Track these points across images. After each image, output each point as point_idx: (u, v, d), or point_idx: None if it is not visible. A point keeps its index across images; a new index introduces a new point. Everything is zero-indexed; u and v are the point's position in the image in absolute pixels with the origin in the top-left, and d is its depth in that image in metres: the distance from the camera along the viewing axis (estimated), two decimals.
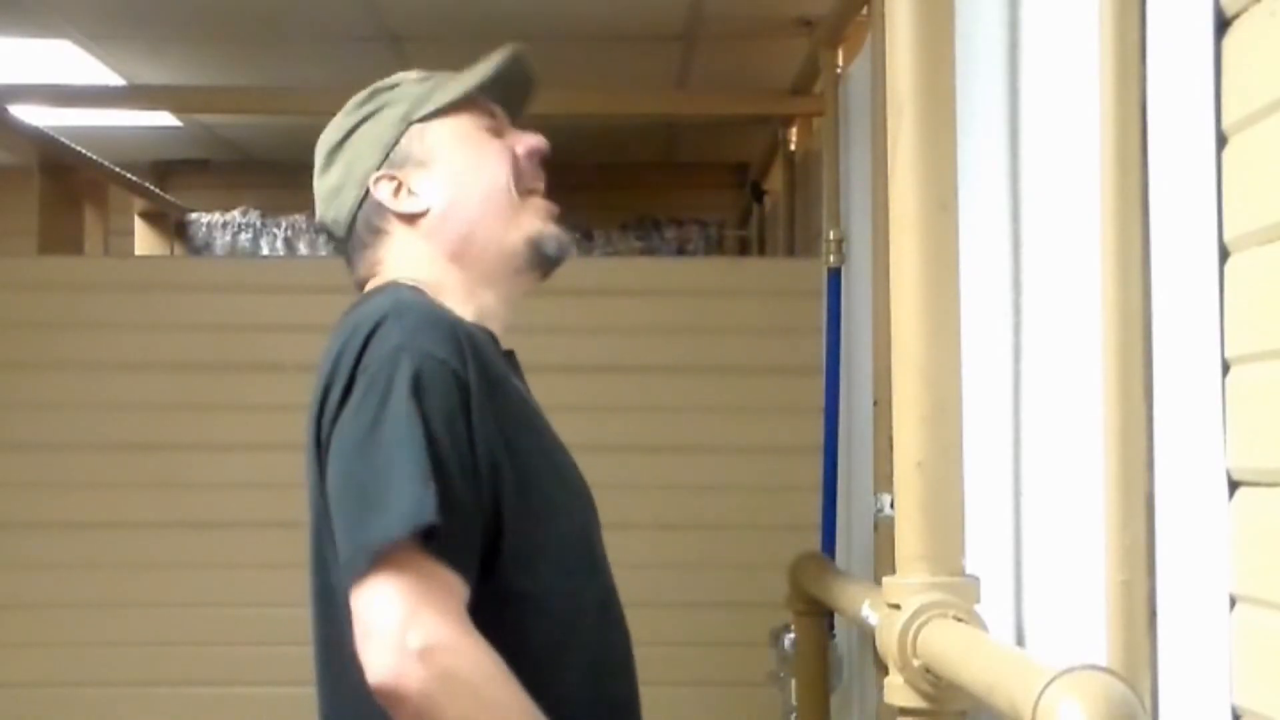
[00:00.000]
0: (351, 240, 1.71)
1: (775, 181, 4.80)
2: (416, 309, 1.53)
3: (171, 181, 6.02)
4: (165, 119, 5.09)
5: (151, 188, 5.34)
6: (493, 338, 1.64)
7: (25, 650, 3.51)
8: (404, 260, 1.67)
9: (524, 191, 1.70)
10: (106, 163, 4.47)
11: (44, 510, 3.52)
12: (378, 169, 1.68)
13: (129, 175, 4.74)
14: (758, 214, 5.18)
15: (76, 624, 3.52)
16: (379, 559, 1.38)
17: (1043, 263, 1.60)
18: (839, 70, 3.31)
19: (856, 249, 2.97)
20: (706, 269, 3.82)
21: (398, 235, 1.68)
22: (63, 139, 4.17)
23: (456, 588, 1.42)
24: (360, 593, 1.39)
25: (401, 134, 1.69)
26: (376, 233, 1.68)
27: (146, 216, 5.41)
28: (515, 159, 1.71)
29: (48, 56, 4.22)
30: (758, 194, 5.12)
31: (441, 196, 1.67)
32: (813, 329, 3.25)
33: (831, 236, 3.10)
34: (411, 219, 1.67)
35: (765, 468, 3.49)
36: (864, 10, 2.89)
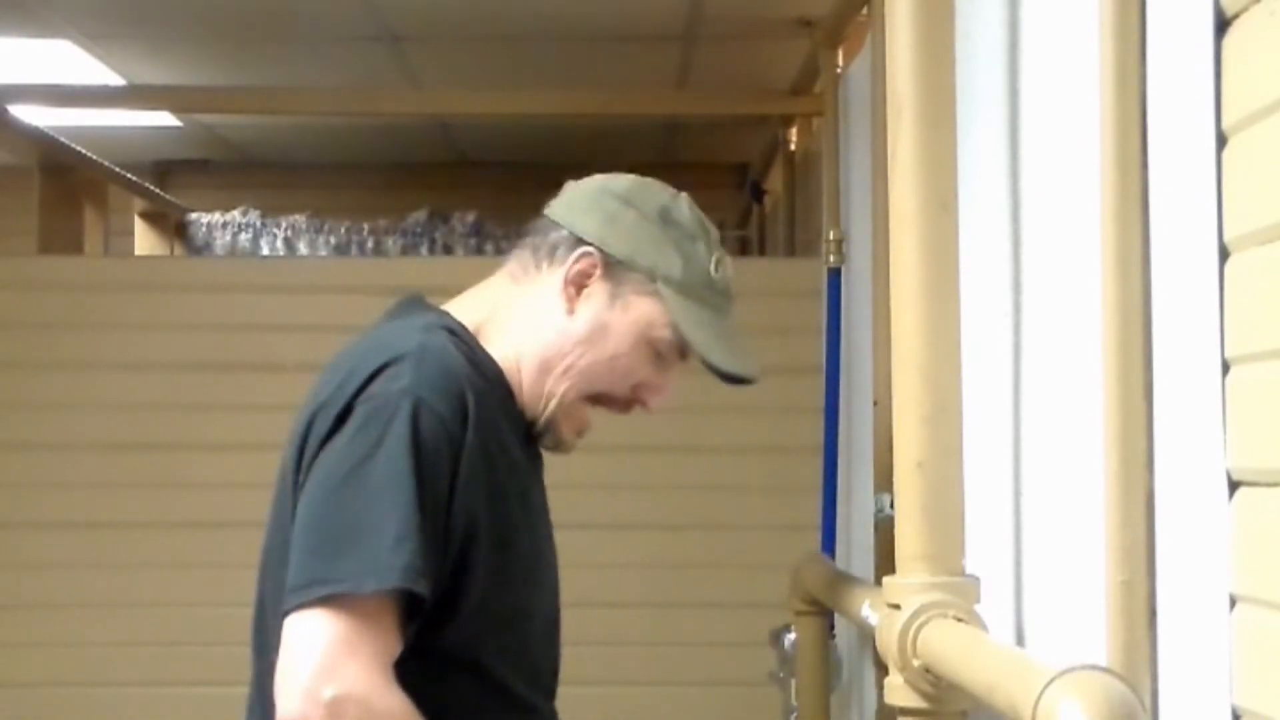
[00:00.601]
0: (535, 240, 1.68)
1: (775, 181, 4.80)
2: (437, 359, 1.51)
3: (171, 181, 6.02)
4: (165, 119, 5.10)
5: (151, 188, 5.34)
6: (510, 396, 1.63)
7: (25, 650, 3.51)
8: (524, 319, 1.64)
9: (592, 400, 1.68)
10: (106, 163, 4.47)
11: (44, 510, 3.52)
12: (606, 251, 1.63)
13: (129, 175, 4.75)
14: (758, 214, 5.19)
15: (76, 624, 3.52)
16: (326, 599, 1.39)
17: (1043, 263, 1.60)
18: (839, 70, 3.32)
19: (856, 249, 2.97)
20: None
21: (548, 296, 1.65)
22: (63, 139, 4.17)
23: (390, 643, 1.42)
24: (294, 623, 1.40)
25: (643, 271, 1.64)
26: (549, 262, 1.65)
27: (146, 216, 5.41)
28: (635, 389, 1.68)
29: (48, 56, 4.23)
30: (758, 194, 5.12)
31: (580, 326, 1.63)
32: (813, 329, 3.25)
33: (831, 236, 3.10)
34: (552, 300, 1.64)
35: (765, 468, 3.49)
36: (864, 10, 2.89)
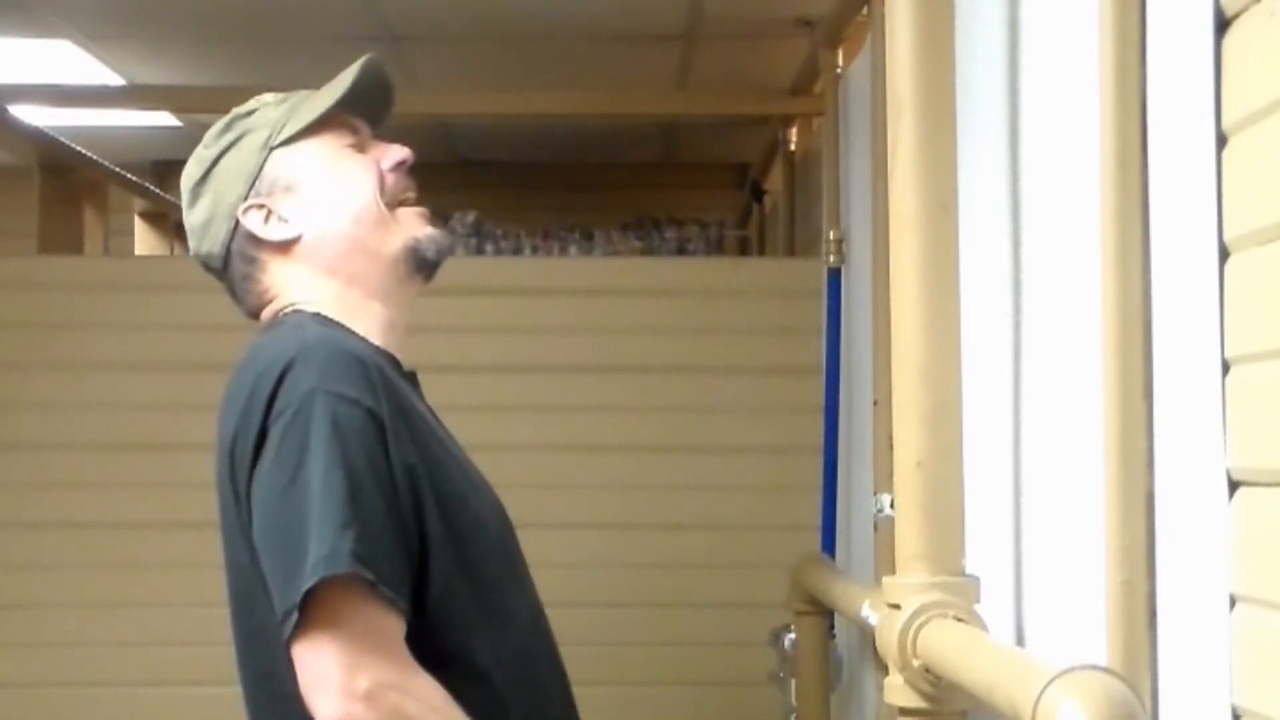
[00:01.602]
0: (229, 272, 1.71)
1: (775, 181, 4.80)
2: (323, 348, 1.52)
3: (171, 181, 5.98)
4: (165, 119, 5.09)
5: (151, 188, 5.34)
6: (395, 361, 1.65)
7: (25, 650, 3.51)
8: (292, 286, 1.67)
9: (393, 203, 1.70)
10: (106, 163, 4.47)
11: (44, 510, 3.52)
12: (245, 199, 1.67)
13: (129, 175, 4.74)
14: (758, 214, 5.18)
15: (76, 624, 3.52)
16: (311, 611, 1.40)
17: (1043, 263, 1.60)
18: (839, 70, 3.31)
19: (856, 249, 2.97)
20: (706, 269, 3.82)
21: (274, 264, 1.68)
22: (63, 139, 4.17)
23: (393, 625, 1.44)
24: (300, 648, 1.42)
25: (264, 161, 1.68)
26: (252, 262, 1.68)
27: (146, 216, 5.41)
28: (380, 173, 1.71)
29: (48, 56, 4.22)
30: (758, 194, 5.12)
31: (312, 220, 1.67)
32: (813, 329, 3.25)
33: (831, 236, 3.10)
34: (285, 246, 1.66)
35: (765, 468, 3.49)
36: (864, 10, 2.89)
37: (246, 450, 1.50)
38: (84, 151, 4.28)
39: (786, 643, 2.89)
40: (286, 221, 1.66)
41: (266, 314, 1.70)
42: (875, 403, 2.54)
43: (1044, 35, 1.62)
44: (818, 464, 3.11)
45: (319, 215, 1.67)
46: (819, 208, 3.40)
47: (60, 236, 4.15)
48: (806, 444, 3.23)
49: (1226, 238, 1.16)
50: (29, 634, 3.51)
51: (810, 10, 3.62)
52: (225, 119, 1.73)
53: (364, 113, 1.76)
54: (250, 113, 1.72)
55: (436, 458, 1.56)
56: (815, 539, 3.06)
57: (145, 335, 3.56)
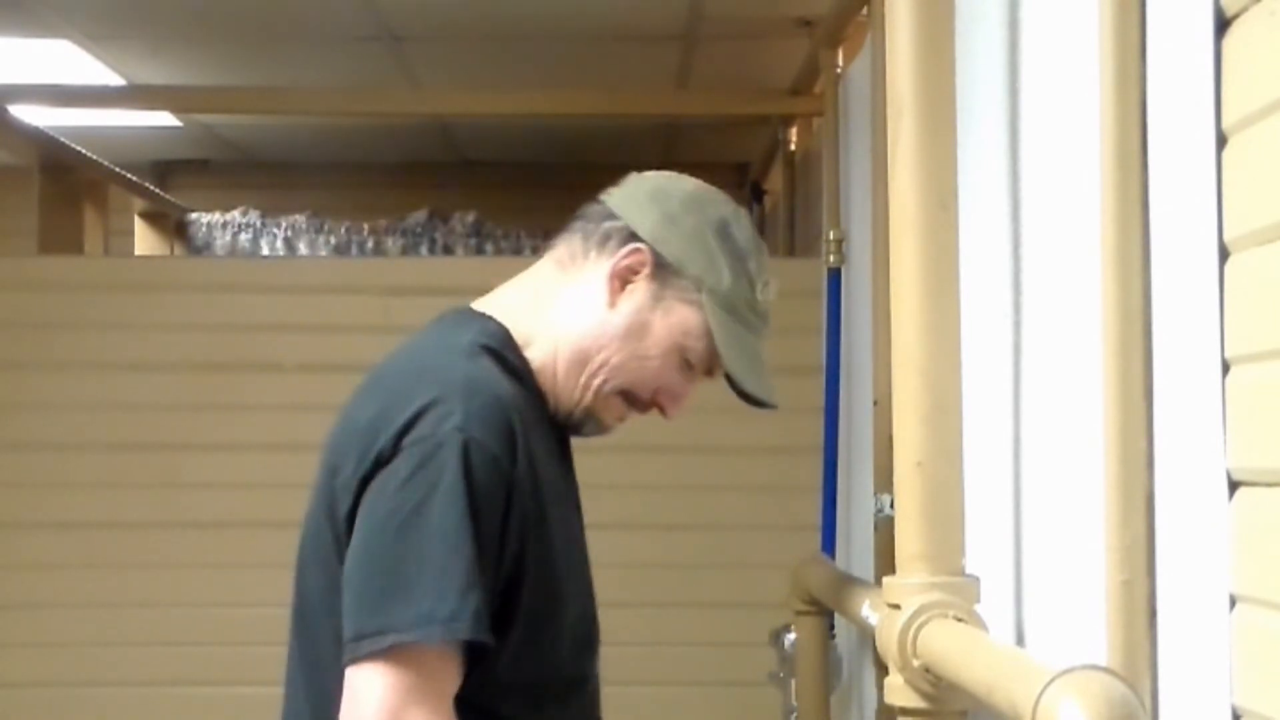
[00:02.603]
0: (587, 225, 1.65)
1: (775, 181, 4.81)
2: (485, 391, 1.49)
3: (171, 181, 6.02)
4: (165, 119, 5.10)
5: (151, 188, 5.34)
6: (542, 399, 1.62)
7: (25, 650, 3.51)
8: (565, 307, 1.63)
9: (635, 400, 1.66)
10: (106, 163, 4.47)
11: (44, 510, 3.53)
12: (657, 250, 1.61)
13: (129, 175, 4.74)
14: (758, 214, 5.18)
15: (76, 624, 3.52)
16: (393, 652, 1.39)
17: (1043, 262, 1.60)
18: (839, 70, 3.32)
19: (856, 249, 2.97)
20: None
21: (592, 286, 1.63)
22: (63, 139, 4.17)
23: (451, 681, 1.43)
24: (355, 673, 1.41)
25: (691, 276, 1.62)
26: (597, 252, 1.63)
27: (146, 216, 5.41)
28: (659, 392, 1.66)
29: (48, 56, 4.23)
30: (758, 194, 5.12)
31: (621, 320, 1.62)
32: (813, 329, 3.25)
33: (831, 236, 3.10)
34: (610, 292, 1.62)
35: (765, 468, 3.49)
36: (864, 10, 2.89)
37: (371, 455, 1.46)
38: (84, 151, 4.28)
39: (786, 643, 2.89)
40: (625, 294, 1.62)
41: (518, 281, 1.67)
42: (875, 403, 2.54)
43: (1044, 35, 1.62)
44: (818, 464, 3.11)
45: (624, 328, 1.61)
46: (819, 208, 3.40)
47: (60, 236, 4.15)
48: (806, 444, 3.23)
49: (1226, 238, 1.16)
50: (29, 634, 3.51)
51: (810, 10, 3.63)
52: (753, 239, 1.66)
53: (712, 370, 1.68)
54: (750, 256, 1.64)
55: (548, 535, 1.54)
56: (815, 539, 3.06)
57: (145, 335, 3.56)
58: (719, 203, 1.67)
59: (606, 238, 1.63)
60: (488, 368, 1.54)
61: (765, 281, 1.65)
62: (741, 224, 1.66)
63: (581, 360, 1.62)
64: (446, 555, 1.40)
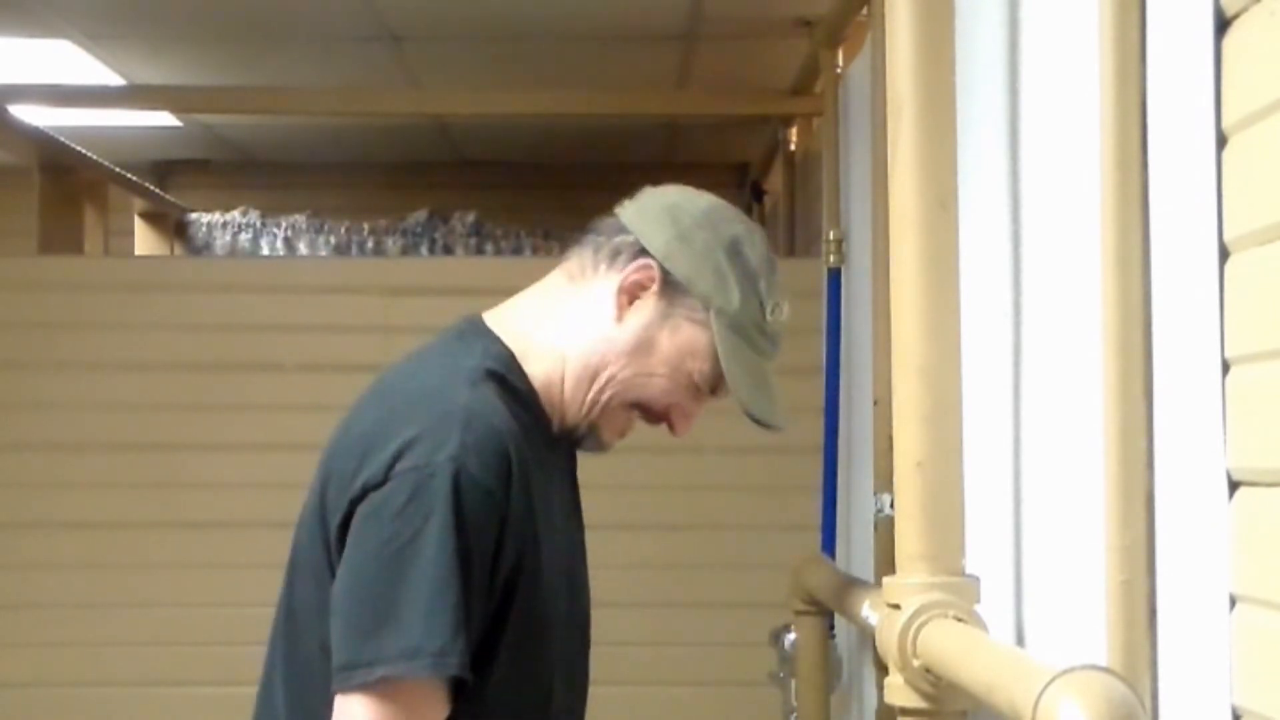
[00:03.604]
0: (599, 239, 1.65)
1: (775, 181, 4.80)
2: (480, 420, 1.48)
3: (171, 181, 6.02)
4: (165, 119, 5.09)
5: (151, 188, 5.34)
6: (544, 422, 1.62)
7: (25, 650, 3.51)
8: (572, 320, 1.62)
9: (635, 405, 1.65)
10: (106, 163, 4.47)
11: (44, 510, 3.52)
12: (667, 267, 1.61)
13: (129, 175, 4.74)
14: (758, 214, 5.18)
15: (76, 624, 3.52)
16: (367, 684, 1.39)
17: (1043, 262, 1.60)
18: (839, 70, 3.32)
19: (856, 249, 2.97)
20: None
21: (601, 300, 1.62)
22: (63, 139, 4.17)
23: (438, 714, 1.43)
24: (345, 703, 1.42)
25: (698, 294, 1.61)
26: (606, 267, 1.62)
27: (146, 216, 5.41)
28: (668, 408, 1.66)
29: (48, 56, 4.22)
30: (758, 194, 5.12)
31: (629, 335, 1.61)
32: (813, 329, 3.25)
33: (831, 236, 3.10)
34: (608, 308, 1.62)
35: (765, 468, 3.49)
36: (864, 10, 2.89)
37: (365, 476, 1.46)
38: (84, 151, 4.28)
39: (786, 643, 2.89)
40: (634, 308, 1.61)
41: (526, 297, 1.67)
42: (875, 403, 2.54)
43: (1044, 35, 1.62)
44: (818, 464, 3.11)
45: (632, 344, 1.61)
46: (819, 208, 3.40)
47: (60, 236, 4.15)
48: (806, 444, 3.23)
49: (1226, 238, 1.16)
50: (29, 634, 3.51)
51: (810, 10, 3.62)
52: (766, 260, 1.64)
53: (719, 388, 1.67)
54: (762, 279, 1.63)
55: (543, 569, 1.54)
56: (815, 539, 3.06)
57: (145, 335, 3.56)
58: (733, 220, 1.66)
59: (617, 252, 1.63)
60: (488, 397, 1.53)
61: (776, 304, 1.64)
62: (755, 243, 1.64)
63: (589, 375, 1.61)
64: (438, 589, 1.40)
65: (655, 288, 1.61)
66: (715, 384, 1.64)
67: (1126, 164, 1.23)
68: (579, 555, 1.70)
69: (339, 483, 1.49)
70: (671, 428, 1.68)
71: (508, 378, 1.58)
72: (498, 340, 1.62)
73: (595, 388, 1.62)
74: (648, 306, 1.61)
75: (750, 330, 1.62)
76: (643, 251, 1.62)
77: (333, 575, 1.48)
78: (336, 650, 1.43)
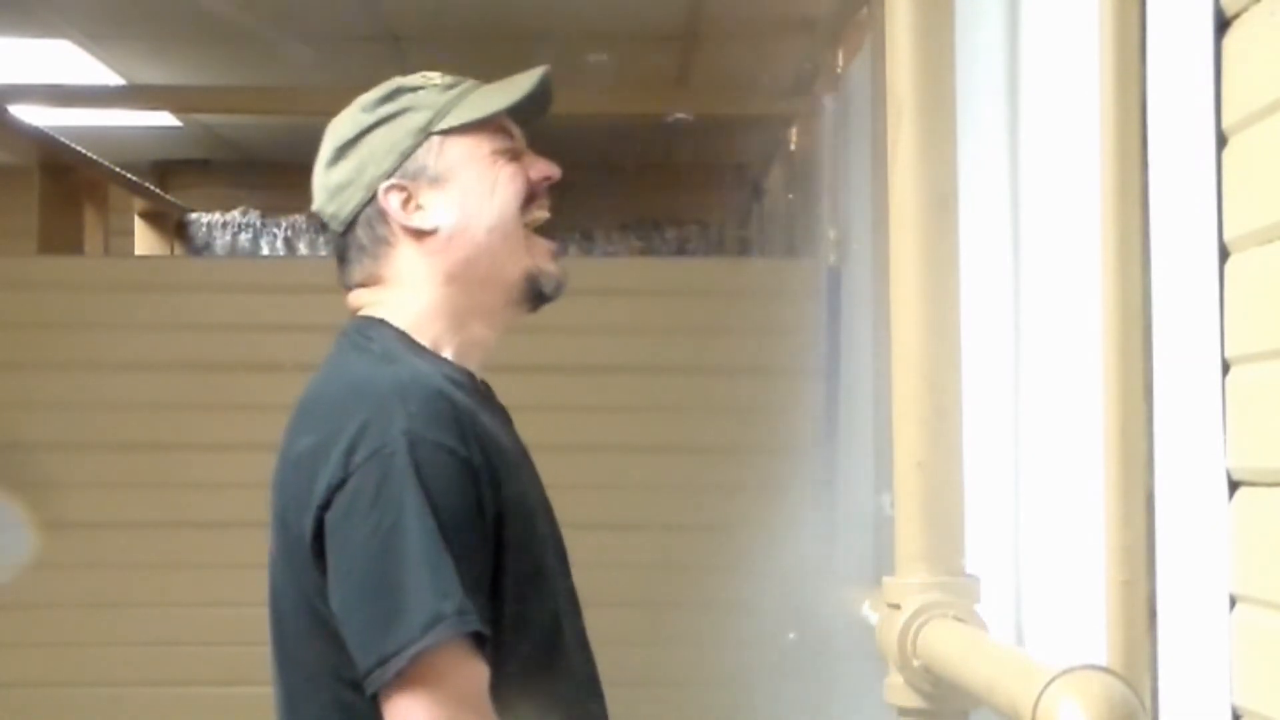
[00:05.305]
0: (348, 238, 1.66)
1: (775, 181, 4.80)
2: (417, 389, 1.48)
3: (171, 181, 6.02)
4: (165, 119, 5.09)
5: (151, 188, 5.34)
6: (470, 377, 1.62)
7: (25, 650, 3.51)
8: (406, 279, 1.63)
9: (530, 223, 1.66)
10: (106, 163, 4.47)
11: (44, 510, 3.52)
12: (389, 176, 1.63)
13: (129, 175, 4.74)
14: (758, 214, 5.18)
15: (76, 624, 3.52)
16: (413, 668, 1.39)
17: (1043, 262, 1.60)
18: (839, 70, 3.32)
19: (856, 248, 2.97)
20: (706, 269, 3.82)
21: (402, 249, 1.63)
22: (63, 139, 4.17)
23: (483, 676, 1.43)
24: (392, 705, 1.41)
25: (419, 144, 1.64)
26: (379, 241, 1.64)
27: (146, 216, 5.41)
28: (529, 184, 1.68)
29: (48, 56, 4.22)
30: (758, 194, 5.12)
31: (451, 217, 1.62)
32: (813, 329, 3.25)
33: (831, 236, 3.10)
34: (418, 235, 1.62)
35: (765, 467, 3.49)
36: (864, 10, 2.89)
37: (325, 485, 1.45)
38: (84, 151, 4.27)
39: (790, 641, 2.88)
40: (424, 211, 1.62)
41: (359, 299, 1.66)
42: (875, 403, 2.54)
43: (1044, 35, 1.62)
44: (818, 464, 3.11)
45: (459, 215, 1.62)
46: (819, 208, 3.40)
47: (60, 236, 4.15)
48: (806, 444, 3.23)
49: (1226, 238, 1.16)
50: (29, 634, 3.51)
51: (810, 10, 3.62)
52: (390, 86, 1.69)
53: (521, 118, 1.71)
54: (416, 89, 1.67)
55: (522, 505, 1.54)
56: (815, 539, 3.06)
57: (145, 335, 3.56)
58: (357, 105, 1.70)
59: (368, 225, 1.64)
60: (412, 365, 1.54)
61: (424, 77, 1.68)
62: (381, 90, 1.68)
63: (477, 274, 1.62)
64: (435, 559, 1.40)
65: (399, 183, 1.62)
66: (506, 141, 1.68)
67: (1126, 164, 1.23)
68: (539, 480, 1.70)
69: (297, 504, 1.49)
70: (547, 179, 1.70)
71: (416, 346, 1.59)
72: (387, 323, 1.62)
73: (485, 266, 1.62)
74: (422, 197, 1.62)
75: (448, 106, 1.65)
76: (366, 202, 1.63)
77: (322, 595, 1.48)
78: (362, 655, 1.42)
